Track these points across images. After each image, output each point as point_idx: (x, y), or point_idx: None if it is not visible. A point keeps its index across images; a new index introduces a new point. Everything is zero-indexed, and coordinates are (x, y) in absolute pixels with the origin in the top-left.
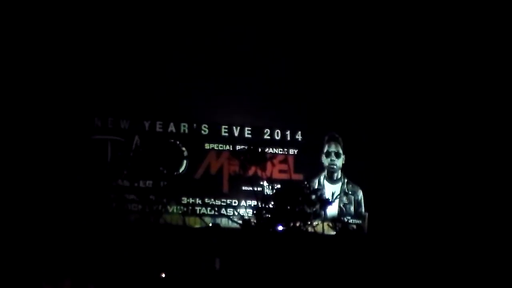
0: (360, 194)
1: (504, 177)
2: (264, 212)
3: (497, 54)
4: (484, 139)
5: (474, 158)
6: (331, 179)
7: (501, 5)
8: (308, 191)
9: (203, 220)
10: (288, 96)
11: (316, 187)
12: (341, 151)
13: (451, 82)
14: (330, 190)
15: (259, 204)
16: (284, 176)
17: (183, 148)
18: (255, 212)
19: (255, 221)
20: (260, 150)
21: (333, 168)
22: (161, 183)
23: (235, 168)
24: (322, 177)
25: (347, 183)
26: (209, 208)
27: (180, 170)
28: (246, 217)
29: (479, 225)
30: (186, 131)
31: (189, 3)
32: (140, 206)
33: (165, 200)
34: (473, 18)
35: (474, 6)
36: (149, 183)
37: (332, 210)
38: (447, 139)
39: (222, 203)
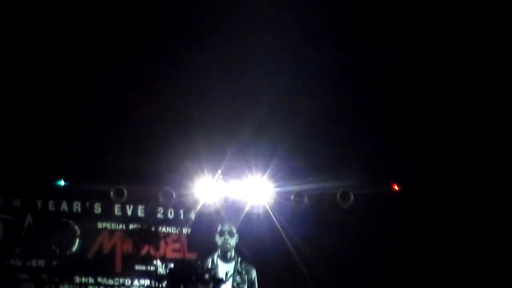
0: (254, 273)
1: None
2: None
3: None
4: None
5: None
6: (224, 258)
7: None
8: (201, 270)
9: None
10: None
11: (209, 266)
12: (234, 230)
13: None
14: (224, 269)
15: (153, 283)
16: (177, 255)
17: (76, 227)
18: None
19: None
20: (153, 229)
21: (226, 247)
22: (54, 262)
23: (128, 247)
24: (215, 256)
25: (241, 262)
26: None
27: (73, 249)
28: None
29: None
30: (79, 210)
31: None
32: (32, 286)
33: (57, 280)
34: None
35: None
36: (41, 262)
37: None
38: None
39: (115, 283)
